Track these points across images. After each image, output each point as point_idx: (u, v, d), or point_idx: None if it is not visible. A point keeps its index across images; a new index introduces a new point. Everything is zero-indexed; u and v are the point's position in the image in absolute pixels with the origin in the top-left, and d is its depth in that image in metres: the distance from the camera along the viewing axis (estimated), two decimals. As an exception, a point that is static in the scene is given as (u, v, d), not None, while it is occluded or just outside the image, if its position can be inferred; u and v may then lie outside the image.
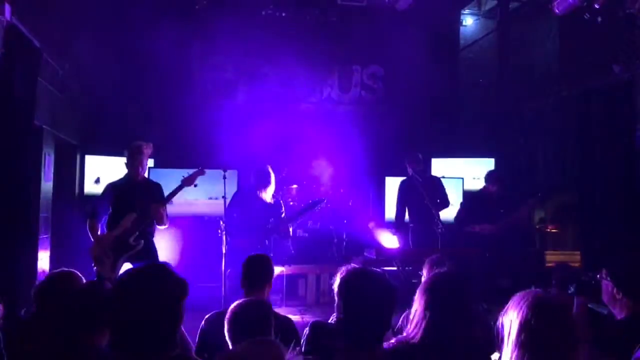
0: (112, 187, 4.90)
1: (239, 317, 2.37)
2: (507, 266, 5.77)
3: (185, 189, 4.94)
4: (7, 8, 4.23)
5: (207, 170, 5.08)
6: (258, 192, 5.26)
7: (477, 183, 7.81)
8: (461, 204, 6.20)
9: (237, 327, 2.33)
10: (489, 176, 6.17)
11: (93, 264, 4.65)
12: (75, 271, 2.96)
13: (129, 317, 1.71)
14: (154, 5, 7.08)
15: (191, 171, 5.00)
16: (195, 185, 4.97)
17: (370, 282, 2.10)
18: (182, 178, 4.94)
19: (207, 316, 3.08)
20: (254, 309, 2.44)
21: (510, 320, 1.85)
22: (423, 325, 2.11)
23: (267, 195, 5.27)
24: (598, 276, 2.71)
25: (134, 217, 4.69)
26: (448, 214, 6.32)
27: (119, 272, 4.57)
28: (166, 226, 4.97)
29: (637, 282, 2.56)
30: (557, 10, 5.19)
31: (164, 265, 1.88)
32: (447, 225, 5.88)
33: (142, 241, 4.72)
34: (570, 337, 1.81)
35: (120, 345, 1.72)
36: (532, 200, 6.13)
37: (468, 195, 6.31)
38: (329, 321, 2.89)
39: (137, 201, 4.76)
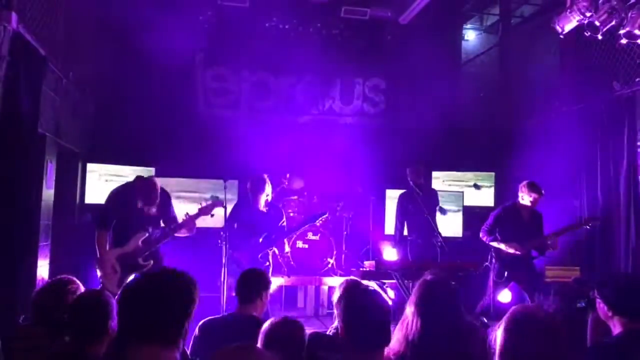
0: (120, 196, 4.79)
1: (273, 335, 2.41)
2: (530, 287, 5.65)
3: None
4: (14, 17, 4.27)
5: (208, 180, 5.07)
6: (253, 200, 5.26)
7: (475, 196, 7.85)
8: (490, 216, 5.88)
9: (271, 345, 2.35)
10: (527, 186, 5.62)
11: (99, 277, 4.60)
12: (75, 279, 2.97)
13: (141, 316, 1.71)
14: (158, 15, 7.13)
15: (210, 199, 4.97)
16: (212, 216, 4.93)
17: (368, 293, 2.14)
18: (200, 207, 4.89)
19: (200, 323, 3.09)
20: (288, 327, 2.53)
21: (499, 334, 1.89)
22: (413, 330, 2.13)
23: (261, 203, 5.26)
24: (591, 294, 2.75)
25: (145, 236, 4.64)
26: (448, 229, 6.33)
27: None
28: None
29: (625, 301, 2.61)
30: (558, 27, 5.22)
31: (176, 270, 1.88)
32: (446, 239, 5.88)
33: (152, 261, 4.67)
34: (555, 350, 1.83)
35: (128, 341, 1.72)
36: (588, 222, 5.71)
37: (500, 208, 5.99)
38: (327, 332, 2.90)
39: (147, 217, 4.72)
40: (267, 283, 3.38)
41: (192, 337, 3.02)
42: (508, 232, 5.61)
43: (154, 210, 4.74)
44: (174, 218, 4.87)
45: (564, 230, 5.58)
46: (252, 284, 3.29)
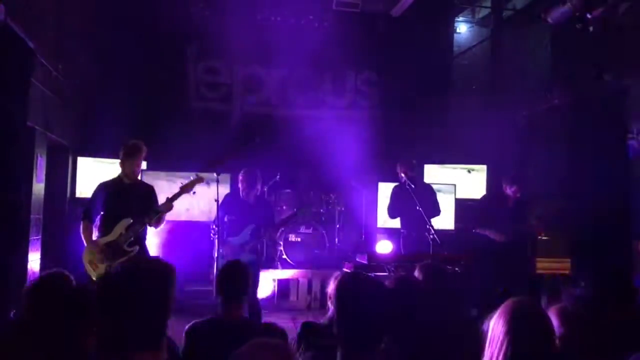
0: (104, 188, 4.76)
1: None
2: (498, 273, 5.73)
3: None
4: (2, 8, 4.21)
5: (200, 174, 5.05)
6: (243, 193, 5.25)
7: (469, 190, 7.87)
8: (477, 203, 6.07)
9: None
10: (508, 177, 5.85)
11: (85, 269, 4.57)
12: (66, 272, 2.95)
13: (113, 314, 1.66)
14: (150, 8, 7.08)
15: (191, 176, 4.94)
16: (194, 193, 4.90)
17: (366, 285, 2.11)
18: (181, 185, 4.87)
19: (186, 329, 2.94)
20: None
21: (492, 328, 1.90)
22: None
23: (251, 195, 5.26)
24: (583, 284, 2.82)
25: (129, 222, 4.60)
26: (440, 222, 6.34)
27: None
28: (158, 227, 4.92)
29: (605, 291, 2.66)
30: (549, 20, 5.23)
31: (147, 258, 1.80)
32: (438, 232, 5.89)
33: (137, 247, 4.65)
34: (547, 344, 1.85)
35: (105, 346, 1.67)
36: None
37: (484, 196, 6.18)
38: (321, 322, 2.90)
39: (132, 205, 4.68)
40: (249, 278, 3.14)
41: (184, 341, 2.95)
42: (493, 220, 5.73)
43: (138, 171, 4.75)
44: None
45: (543, 214, 5.76)
46: (238, 280, 3.04)
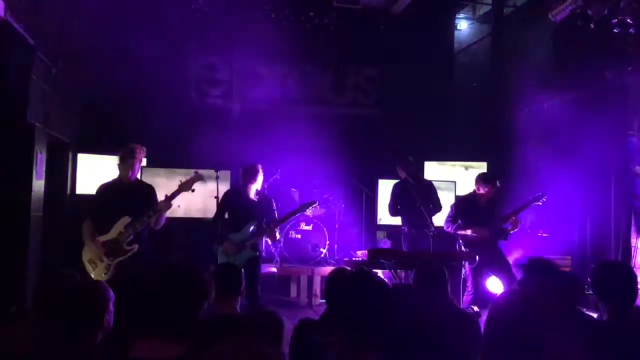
0: (104, 189, 4.78)
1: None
2: (500, 270, 5.73)
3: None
4: (1, 4, 4.20)
5: (200, 171, 5.03)
6: (245, 189, 5.24)
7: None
8: (451, 207, 6.09)
9: None
10: (481, 178, 5.97)
11: (84, 267, 4.56)
12: (72, 271, 2.96)
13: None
14: (149, 4, 7.06)
15: (188, 175, 4.90)
16: (193, 191, 4.86)
17: (358, 280, 2.12)
18: (179, 183, 4.85)
19: None
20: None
21: (487, 320, 1.92)
22: None
23: (252, 191, 5.25)
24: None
25: (128, 221, 4.59)
26: (440, 219, 6.33)
27: (111, 276, 4.49)
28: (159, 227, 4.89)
29: (608, 290, 2.71)
30: (551, 17, 5.22)
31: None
32: (439, 229, 5.89)
33: (137, 245, 4.64)
34: (527, 327, 1.87)
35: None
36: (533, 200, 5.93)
37: (458, 199, 6.18)
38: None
39: (129, 204, 4.66)
40: (240, 279, 3.27)
41: None
42: (468, 220, 5.79)
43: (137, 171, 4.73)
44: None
45: (518, 210, 5.76)
46: (229, 279, 3.16)
